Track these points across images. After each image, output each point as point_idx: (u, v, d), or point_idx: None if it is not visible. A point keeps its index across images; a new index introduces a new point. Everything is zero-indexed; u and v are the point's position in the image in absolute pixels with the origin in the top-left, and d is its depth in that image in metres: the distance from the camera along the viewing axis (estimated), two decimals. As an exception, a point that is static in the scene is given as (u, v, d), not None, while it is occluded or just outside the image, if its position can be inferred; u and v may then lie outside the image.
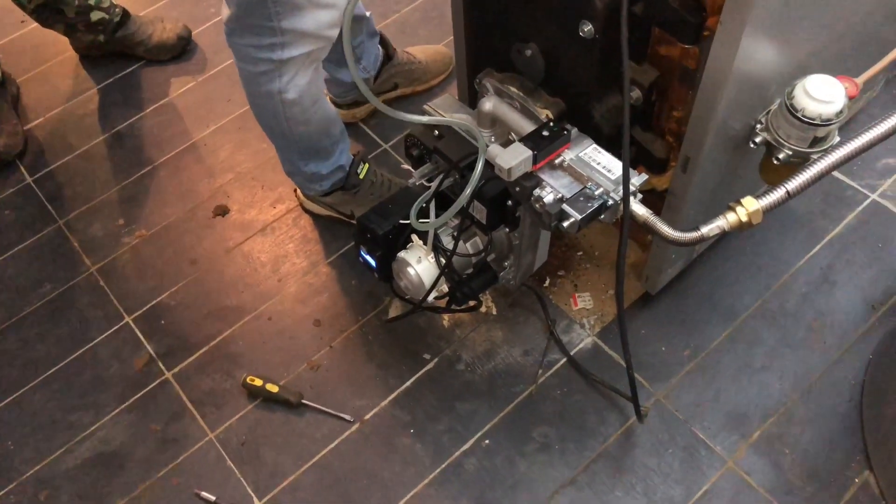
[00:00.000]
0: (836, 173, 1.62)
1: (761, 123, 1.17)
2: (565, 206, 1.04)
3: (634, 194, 1.04)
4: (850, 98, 1.14)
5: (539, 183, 1.07)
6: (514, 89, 1.22)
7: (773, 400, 1.40)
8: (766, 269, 1.55)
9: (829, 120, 1.08)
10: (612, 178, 1.05)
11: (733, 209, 1.04)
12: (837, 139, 1.15)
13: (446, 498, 1.34)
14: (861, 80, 1.30)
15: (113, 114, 1.95)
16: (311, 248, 1.67)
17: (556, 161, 1.08)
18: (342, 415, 1.43)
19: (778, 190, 1.04)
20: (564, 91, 1.18)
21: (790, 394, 1.40)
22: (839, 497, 1.30)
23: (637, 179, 1.04)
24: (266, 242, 1.69)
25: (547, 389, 1.44)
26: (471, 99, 1.44)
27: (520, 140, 1.06)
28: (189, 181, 1.80)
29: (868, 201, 1.62)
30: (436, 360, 1.49)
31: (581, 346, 1.49)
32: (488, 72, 1.29)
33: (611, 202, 1.04)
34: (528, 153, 1.03)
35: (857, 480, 1.31)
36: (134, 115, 1.94)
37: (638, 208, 1.04)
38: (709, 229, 1.03)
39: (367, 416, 1.43)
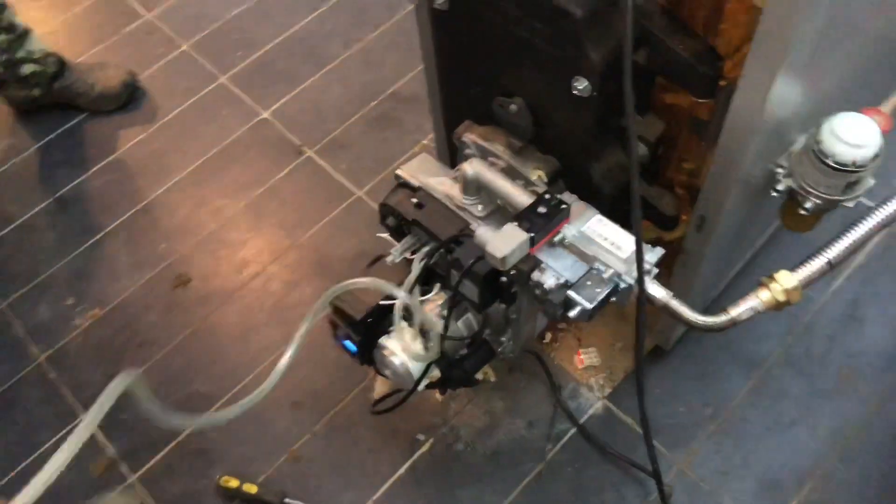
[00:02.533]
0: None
1: (783, 168, 1.03)
2: (571, 294, 0.89)
3: (650, 272, 0.89)
4: (885, 133, 0.99)
5: (537, 265, 0.92)
6: (499, 147, 1.07)
7: (807, 461, 1.26)
8: (787, 308, 1.41)
9: (863, 165, 0.94)
10: (623, 256, 0.90)
11: (766, 286, 0.89)
12: (872, 182, 1.01)
13: None
14: (889, 109, 1.16)
15: (55, 175, 1.77)
16: (284, 315, 1.51)
17: (556, 238, 0.93)
18: (330, 513, 1.28)
19: (818, 260, 0.89)
20: (557, 148, 1.03)
21: (826, 453, 1.27)
22: (891, 571, 1.16)
23: (652, 256, 0.89)
24: (234, 314, 1.52)
25: (557, 466, 1.30)
26: (450, 154, 1.28)
27: (513, 219, 0.90)
28: (144, 249, 1.63)
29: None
30: (431, 440, 1.34)
31: (591, 412, 1.34)
32: (469, 125, 1.13)
33: (623, 285, 0.89)
34: (524, 237, 0.88)
35: (908, 550, 1.18)
36: (79, 176, 1.76)
37: (656, 291, 0.89)
38: (739, 312, 0.88)
39: (359, 513, 1.28)
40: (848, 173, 0.95)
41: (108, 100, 1.84)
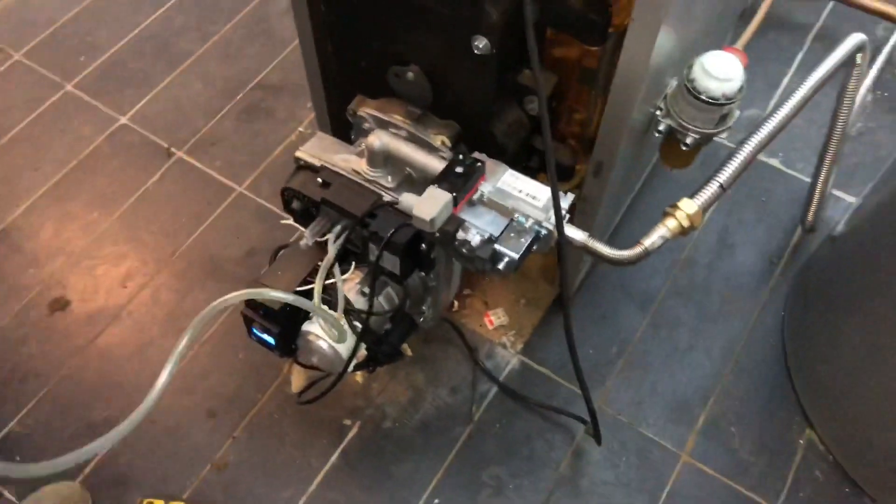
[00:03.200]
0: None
1: (661, 110, 1.11)
2: (498, 246, 0.92)
3: (566, 217, 0.94)
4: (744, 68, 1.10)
5: (461, 224, 0.94)
6: (398, 118, 1.07)
7: (707, 380, 1.38)
8: (668, 244, 1.52)
9: (732, 98, 1.04)
10: (540, 205, 0.94)
11: (671, 215, 0.96)
12: (738, 113, 1.11)
13: (410, 577, 1.20)
14: (741, 45, 1.27)
15: None
16: (181, 325, 1.44)
17: (475, 197, 0.95)
18: (268, 514, 1.24)
19: (711, 185, 0.98)
20: (457, 112, 1.05)
21: (721, 369, 1.39)
22: (790, 462, 1.29)
23: (566, 201, 0.94)
24: (124, 331, 1.43)
25: (485, 425, 1.33)
26: (337, 132, 1.27)
27: (433, 182, 0.91)
28: (10, 276, 1.49)
29: (742, 158, 1.63)
30: (358, 423, 1.33)
31: (508, 368, 1.39)
32: (361, 100, 1.13)
33: (544, 232, 0.93)
34: (447, 197, 0.89)
35: (801, 441, 1.32)
36: (-85, 208, 1.58)
37: (575, 234, 0.94)
38: (651, 242, 0.95)
39: (297, 508, 1.26)
40: (720, 106, 1.04)
41: None
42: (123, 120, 1.72)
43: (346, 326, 1.02)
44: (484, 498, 1.26)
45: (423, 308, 1.20)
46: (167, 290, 1.48)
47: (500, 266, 0.92)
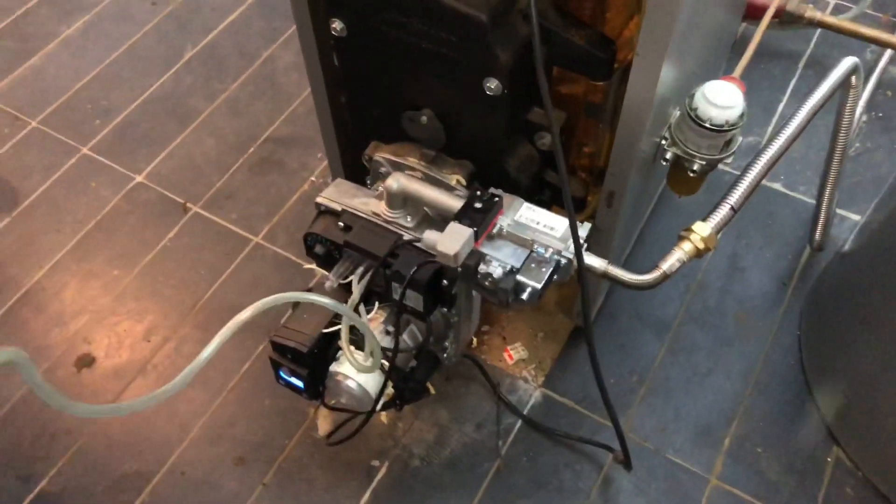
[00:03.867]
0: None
1: (666, 139, 1.15)
2: (520, 277, 0.94)
3: (584, 246, 0.97)
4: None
5: (482, 258, 0.97)
6: (413, 160, 1.11)
7: (729, 402, 1.39)
8: (681, 271, 1.54)
9: (734, 124, 1.07)
10: (558, 235, 0.97)
11: (686, 238, 0.99)
12: (740, 139, 1.15)
13: None
14: (737, 74, 1.32)
15: (-88, 279, 1.61)
16: (206, 375, 1.45)
17: (494, 231, 0.98)
18: (302, 560, 1.24)
19: (722, 208, 1.01)
20: (470, 151, 1.09)
21: (742, 391, 1.40)
22: (820, 480, 1.30)
23: (583, 231, 0.97)
24: (150, 383, 1.45)
25: (512, 459, 1.34)
26: (351, 179, 1.30)
27: (453, 219, 0.95)
28: (35, 338, 1.51)
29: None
30: (386, 463, 1.34)
31: (531, 402, 1.40)
32: (376, 145, 1.17)
33: (564, 261, 0.96)
34: (469, 232, 0.92)
35: (829, 459, 1.32)
36: (-60, 275, 1.61)
37: (594, 261, 0.96)
38: (669, 265, 0.98)
39: (331, 552, 1.26)
40: (723, 133, 1.08)
41: None
42: (139, 178, 1.76)
43: (377, 352, 1.03)
44: (516, 532, 1.27)
45: (446, 344, 1.22)
46: (190, 342, 1.50)
47: (524, 297, 0.95)
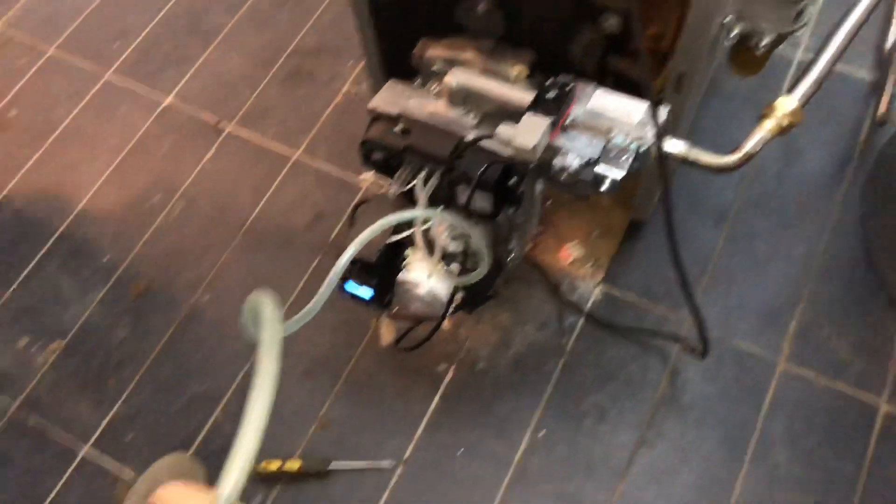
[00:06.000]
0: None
1: (731, 16, 1.09)
2: (600, 169, 0.91)
3: (665, 130, 0.93)
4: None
5: (557, 151, 0.93)
6: (469, 54, 1.06)
7: (793, 286, 1.37)
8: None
9: (810, -10, 1.01)
10: (635, 121, 0.93)
11: (768, 116, 0.95)
12: (812, 10, 1.08)
13: (527, 508, 1.22)
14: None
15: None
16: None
17: (567, 122, 0.94)
18: (379, 464, 1.27)
19: (806, 79, 0.96)
20: (532, 39, 1.03)
21: (806, 274, 1.38)
22: (889, 356, 1.30)
23: (663, 113, 0.93)
24: (209, 305, 1.45)
25: (578, 356, 1.34)
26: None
27: (527, 110, 0.91)
28: (87, 266, 1.50)
29: (796, 63, 1.60)
30: (452, 367, 1.35)
31: (592, 299, 1.39)
32: (425, 43, 1.11)
33: (643, 147, 0.92)
34: (546, 123, 0.89)
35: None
36: (-18, 212, 1.59)
37: (675, 145, 0.93)
38: (752, 145, 0.94)
39: (407, 454, 1.28)
40: (795, 3, 1.02)
41: None
42: (167, 101, 1.71)
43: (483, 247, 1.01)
44: (588, 425, 1.28)
45: (511, 246, 1.20)
46: (241, 263, 1.49)
47: (604, 188, 0.92)
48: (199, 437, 1.32)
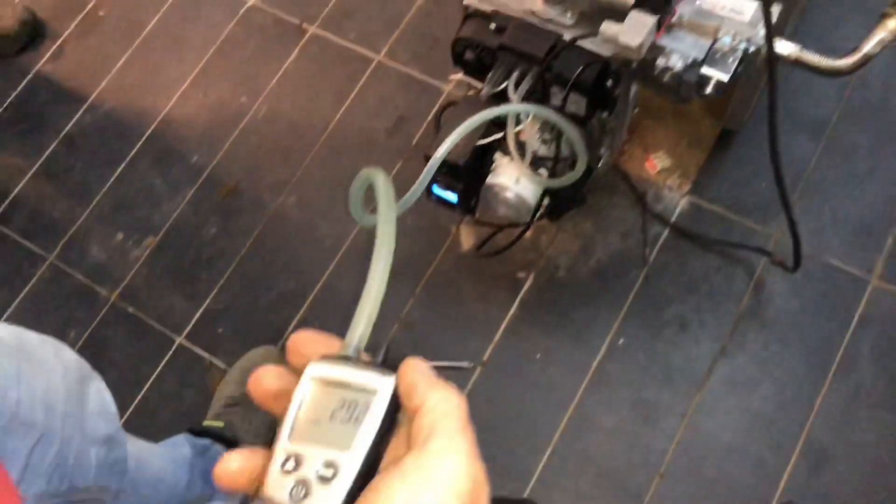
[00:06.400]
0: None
1: None
2: (705, 70, 0.88)
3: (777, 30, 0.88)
4: None
5: (661, 51, 0.90)
6: (566, -52, 1.01)
7: (891, 202, 1.32)
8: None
9: None
10: (745, 20, 0.88)
11: (892, 16, 0.89)
12: None
13: (604, 413, 1.25)
14: None
15: (48, 116, 1.65)
16: (344, 195, 1.47)
17: (673, 21, 0.90)
18: (460, 364, 1.30)
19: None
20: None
21: (907, 190, 1.32)
22: None
23: (775, 11, 0.88)
24: (294, 205, 1.48)
25: (661, 267, 1.33)
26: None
27: (632, 7, 0.87)
28: (176, 166, 1.55)
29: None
30: (532, 274, 1.36)
31: (678, 210, 1.36)
32: (522, -63, 1.07)
33: (752, 49, 0.88)
34: (652, 20, 0.85)
35: None
36: (76, 112, 1.64)
37: (786, 47, 0.88)
38: (871, 47, 0.89)
39: (486, 356, 1.31)
40: None
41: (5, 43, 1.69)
42: (251, 1, 1.70)
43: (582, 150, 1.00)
44: (669, 335, 1.28)
45: (601, 151, 1.18)
46: (325, 165, 1.51)
47: (708, 90, 0.89)
48: (287, 333, 1.37)
